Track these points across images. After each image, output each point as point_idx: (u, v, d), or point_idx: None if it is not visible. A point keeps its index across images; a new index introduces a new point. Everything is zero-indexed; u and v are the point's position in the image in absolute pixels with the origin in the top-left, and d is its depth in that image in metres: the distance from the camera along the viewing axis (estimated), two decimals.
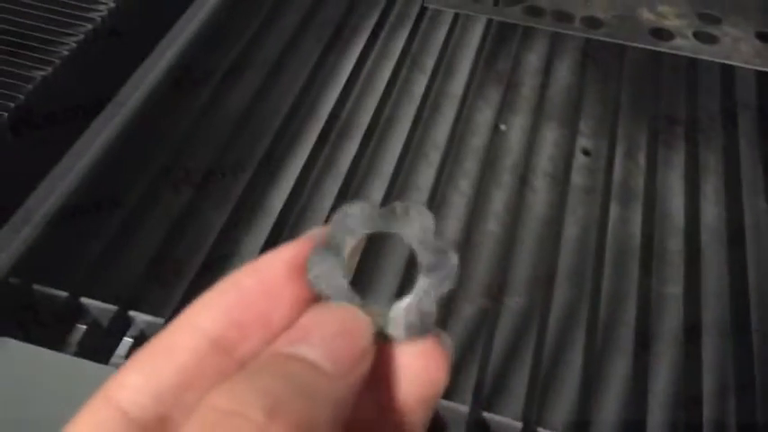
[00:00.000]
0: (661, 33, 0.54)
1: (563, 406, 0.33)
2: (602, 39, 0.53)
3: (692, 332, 0.35)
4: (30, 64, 0.36)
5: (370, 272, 0.38)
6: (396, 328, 0.14)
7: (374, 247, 0.39)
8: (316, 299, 0.14)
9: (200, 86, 0.46)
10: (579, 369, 0.34)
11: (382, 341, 0.14)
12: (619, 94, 0.50)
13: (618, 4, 0.56)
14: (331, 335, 0.13)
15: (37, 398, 0.31)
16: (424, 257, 0.14)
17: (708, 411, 0.33)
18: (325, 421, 0.12)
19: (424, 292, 0.14)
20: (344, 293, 0.14)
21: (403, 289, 0.37)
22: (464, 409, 0.31)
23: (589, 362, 0.34)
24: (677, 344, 0.36)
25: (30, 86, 0.36)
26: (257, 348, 0.13)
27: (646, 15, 0.55)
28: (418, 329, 0.14)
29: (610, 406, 0.34)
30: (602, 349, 0.36)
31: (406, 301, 0.14)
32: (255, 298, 0.14)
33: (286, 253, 0.14)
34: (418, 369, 0.14)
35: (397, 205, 0.15)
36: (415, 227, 0.15)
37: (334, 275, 0.14)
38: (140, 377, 0.13)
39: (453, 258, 0.14)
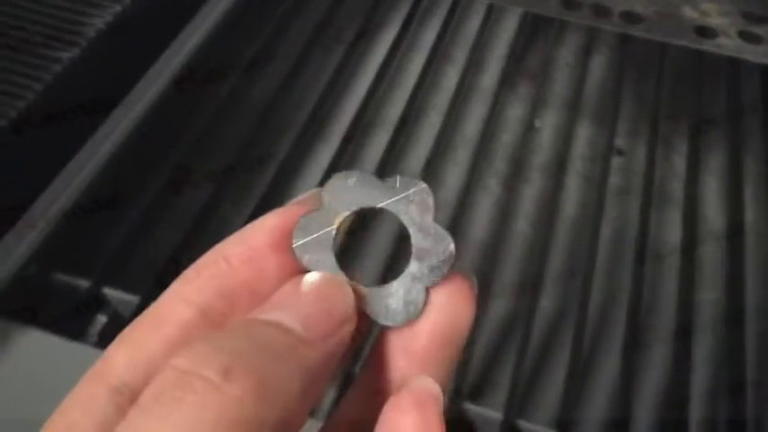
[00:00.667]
0: (704, 31, 0.52)
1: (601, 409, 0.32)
2: (641, 35, 0.51)
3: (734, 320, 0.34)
4: (41, 60, 0.35)
5: (359, 246, 0.37)
6: (378, 313, 0.13)
7: (367, 219, 0.38)
8: (303, 268, 0.13)
9: (221, 80, 0.46)
10: (615, 375, 0.33)
11: (367, 321, 0.13)
12: (656, 93, 0.48)
13: (661, 0, 0.54)
14: (306, 302, 0.12)
15: (53, 388, 0.31)
16: (418, 241, 0.13)
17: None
18: (291, 387, 0.11)
19: (414, 278, 0.13)
20: (330, 268, 0.13)
21: (393, 268, 0.36)
22: (497, 416, 0.30)
23: (626, 365, 0.33)
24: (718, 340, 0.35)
25: (49, 77, 0.35)
26: (243, 313, 0.13)
27: (688, 12, 0.53)
28: (402, 317, 0.13)
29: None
30: (638, 353, 0.34)
31: (394, 285, 0.13)
32: (241, 268, 0.13)
33: (272, 220, 0.14)
34: (444, 304, 0.13)
35: (398, 179, 0.13)
36: (412, 206, 0.13)
37: (322, 248, 0.13)
38: (128, 352, 0.13)
39: (450, 246, 0.13)
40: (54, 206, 0.36)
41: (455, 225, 0.40)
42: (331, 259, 0.13)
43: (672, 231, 0.41)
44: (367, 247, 0.37)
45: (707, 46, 0.50)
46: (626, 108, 0.48)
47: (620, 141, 0.46)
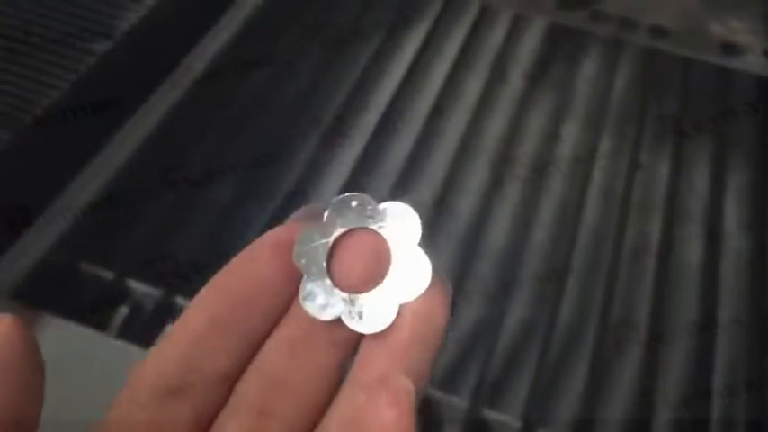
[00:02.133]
0: (730, 48, 0.52)
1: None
2: (668, 50, 0.51)
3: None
4: (75, 52, 0.36)
5: None
6: (353, 318, 0.15)
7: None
8: (299, 275, 0.15)
9: (250, 75, 0.46)
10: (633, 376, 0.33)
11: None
12: (679, 109, 0.48)
13: (688, 15, 0.54)
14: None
15: (74, 376, 0.31)
16: (399, 261, 0.15)
17: None
18: None
19: (388, 293, 0.15)
20: (320, 273, 0.15)
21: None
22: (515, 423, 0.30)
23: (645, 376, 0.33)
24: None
25: (83, 68, 0.36)
26: (252, 324, 0.15)
27: (716, 29, 0.53)
28: (374, 326, 0.15)
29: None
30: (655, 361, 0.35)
31: (371, 295, 0.15)
32: (243, 280, 0.15)
33: (277, 232, 0.15)
34: (420, 308, 0.15)
35: (394, 205, 0.15)
36: (401, 230, 0.15)
37: (316, 256, 0.15)
38: (152, 360, 0.15)
39: (427, 271, 0.15)
40: (81, 197, 0.36)
41: (473, 232, 0.40)
42: (321, 266, 0.15)
43: (693, 247, 0.41)
44: None
45: (732, 63, 0.50)
46: (648, 122, 0.48)
47: (641, 155, 0.47)
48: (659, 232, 0.41)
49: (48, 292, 0.34)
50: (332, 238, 0.15)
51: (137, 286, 0.34)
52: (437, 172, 0.44)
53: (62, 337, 0.32)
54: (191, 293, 0.34)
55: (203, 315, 0.15)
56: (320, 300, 0.15)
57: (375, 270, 0.15)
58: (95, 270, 0.35)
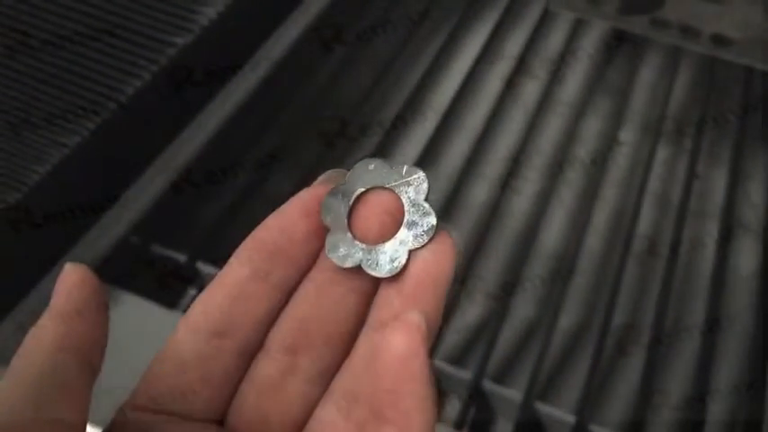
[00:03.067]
0: None
1: None
2: (731, 59, 0.51)
3: None
4: (156, 44, 0.38)
5: None
6: (369, 265, 0.17)
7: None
8: (324, 231, 0.17)
9: (327, 58, 0.47)
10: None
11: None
12: (739, 119, 0.48)
13: (751, 25, 0.53)
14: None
15: (145, 351, 0.33)
16: (409, 214, 0.17)
17: None
18: None
19: (401, 242, 0.17)
20: (343, 228, 0.17)
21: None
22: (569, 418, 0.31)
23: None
24: None
25: (164, 59, 0.37)
26: (285, 273, 0.17)
27: None
28: (386, 270, 0.17)
29: None
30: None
31: (386, 245, 0.17)
32: (277, 236, 0.17)
33: (305, 194, 0.18)
34: (429, 254, 0.17)
35: (404, 167, 0.17)
36: (411, 188, 0.17)
37: (339, 213, 0.17)
38: (202, 307, 0.17)
39: (433, 221, 0.17)
40: (156, 181, 0.38)
41: (527, 236, 0.41)
42: (344, 221, 0.17)
43: (747, 258, 0.41)
44: None
45: None
46: (707, 131, 0.48)
47: (698, 164, 0.46)
48: (714, 242, 0.41)
49: (123, 272, 0.36)
50: (353, 197, 0.17)
51: (206, 268, 0.36)
52: (493, 173, 0.45)
53: (136, 314, 0.34)
54: None
55: (243, 266, 0.17)
56: (342, 250, 0.17)
57: (389, 223, 0.17)
58: (168, 252, 0.37)
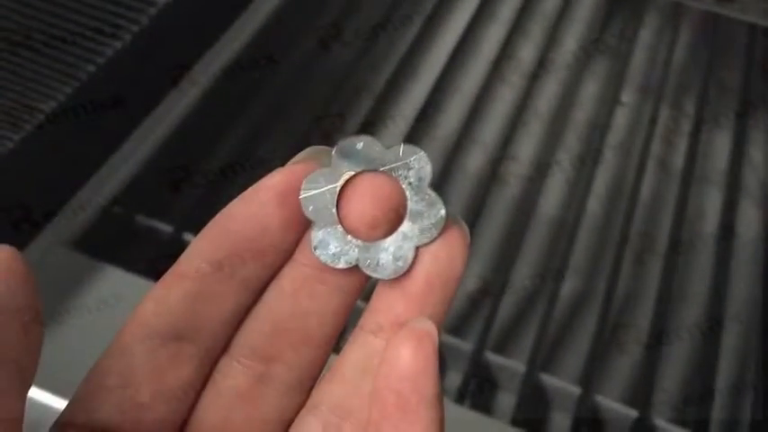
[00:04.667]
0: None
1: None
2: (734, 16, 0.49)
3: None
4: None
5: None
6: (369, 266, 0.14)
7: None
8: (306, 221, 0.15)
9: (292, 51, 0.45)
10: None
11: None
12: (741, 79, 0.47)
13: None
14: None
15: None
16: (413, 204, 0.14)
17: None
18: None
19: (405, 237, 0.14)
20: (331, 220, 0.14)
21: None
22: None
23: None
24: None
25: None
26: (255, 269, 0.15)
27: None
28: (389, 271, 0.14)
29: None
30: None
31: (387, 242, 0.14)
32: (245, 226, 0.15)
33: (276, 178, 0.15)
34: (438, 251, 0.14)
35: (401, 147, 0.15)
36: (411, 172, 0.15)
37: (325, 202, 0.14)
38: (153, 306, 0.15)
39: (441, 211, 0.14)
40: (140, 151, 0.36)
41: (526, 202, 0.40)
42: (332, 212, 0.14)
43: (750, 228, 0.40)
44: None
45: None
46: (710, 92, 0.47)
47: (702, 127, 0.45)
48: (718, 208, 0.40)
49: (107, 244, 0.34)
50: (340, 183, 0.14)
51: (193, 239, 0.35)
52: (491, 139, 0.43)
53: (119, 287, 0.33)
54: None
55: (203, 260, 0.15)
56: (333, 247, 0.14)
57: (389, 215, 0.14)
58: (153, 223, 0.35)
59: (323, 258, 0.14)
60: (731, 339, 0.34)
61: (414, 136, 0.41)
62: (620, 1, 0.51)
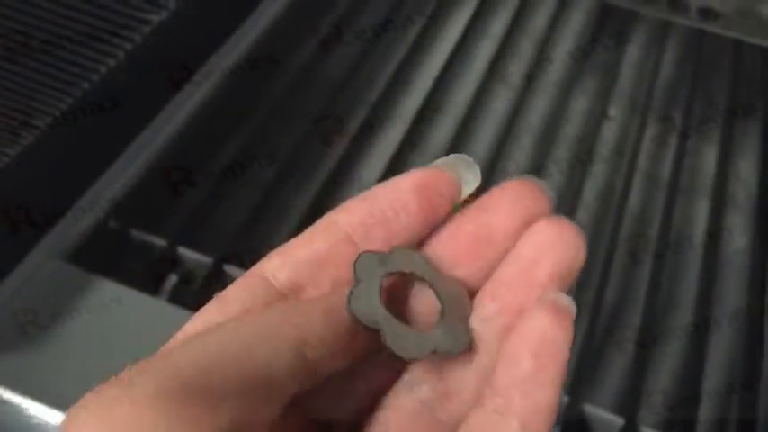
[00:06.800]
0: None
1: None
2: (718, 32, 0.50)
3: None
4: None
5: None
6: (385, 337, 0.15)
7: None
8: (435, 206, 0.16)
9: (292, 58, 0.46)
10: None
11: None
12: (728, 93, 0.47)
13: None
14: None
15: (123, 337, 0.32)
16: (443, 321, 0.15)
17: None
18: None
19: (426, 338, 0.15)
20: (375, 282, 0.15)
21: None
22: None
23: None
24: None
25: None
26: (378, 244, 0.16)
27: (765, 11, 0.52)
28: (401, 353, 0.15)
29: None
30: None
31: (411, 331, 0.15)
32: (383, 205, 0.16)
33: (417, 172, 0.16)
34: (552, 240, 0.15)
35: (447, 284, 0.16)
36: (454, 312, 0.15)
37: (373, 300, 0.15)
38: (281, 257, 0.16)
39: (465, 342, 0.15)
40: (135, 165, 0.37)
41: None
42: (378, 278, 0.15)
43: (739, 237, 0.41)
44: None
45: None
46: (696, 106, 0.48)
47: (688, 140, 0.46)
48: (705, 219, 0.41)
49: (101, 257, 0.35)
50: (389, 270, 0.15)
51: (187, 254, 0.35)
52: (481, 153, 0.44)
53: (114, 300, 0.33)
54: (239, 262, 0.35)
55: (340, 228, 0.16)
56: (364, 304, 0.15)
57: (422, 316, 0.15)
58: (147, 237, 0.36)
59: (351, 310, 0.15)
60: (717, 345, 0.35)
61: (407, 148, 0.42)
62: (607, 18, 0.52)
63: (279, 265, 0.16)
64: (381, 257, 0.15)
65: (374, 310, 0.15)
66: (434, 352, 0.15)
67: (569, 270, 0.15)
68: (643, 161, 0.44)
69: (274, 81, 0.45)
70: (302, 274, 0.15)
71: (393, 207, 0.16)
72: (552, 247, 0.15)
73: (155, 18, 0.37)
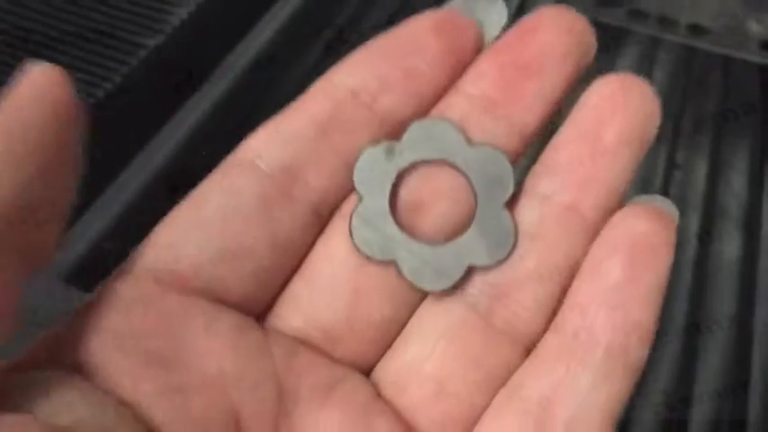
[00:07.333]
0: None
1: None
2: (706, 48, 0.51)
3: None
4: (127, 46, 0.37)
5: None
6: (405, 266, 0.12)
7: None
8: (458, 50, 0.12)
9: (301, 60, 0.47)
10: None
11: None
12: (718, 108, 0.48)
13: (727, 13, 0.53)
14: None
15: None
16: (481, 216, 0.13)
17: None
18: None
19: (459, 252, 0.12)
20: (382, 201, 0.12)
21: None
22: None
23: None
24: None
25: (135, 60, 0.37)
26: (400, 100, 0.12)
27: (755, 27, 0.53)
28: (425, 283, 0.13)
29: None
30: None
31: (436, 248, 0.12)
32: (399, 51, 0.13)
33: (434, 12, 0.13)
34: (619, 96, 0.12)
35: (486, 148, 0.13)
36: (486, 179, 0.13)
37: (381, 179, 0.12)
38: (269, 131, 0.13)
39: (510, 237, 0.12)
40: (132, 185, 0.37)
41: None
42: (385, 192, 0.12)
43: (730, 246, 0.41)
44: None
45: None
46: (685, 121, 0.48)
47: (678, 154, 0.46)
48: (696, 231, 0.41)
49: (99, 278, 0.35)
50: (403, 164, 0.12)
51: None
52: None
53: None
54: None
55: (340, 83, 0.12)
56: (373, 234, 0.12)
57: (450, 221, 0.12)
58: None
59: (357, 242, 0.12)
60: (709, 349, 0.35)
61: None
62: (597, 35, 0.53)
63: (266, 141, 0.13)
64: (389, 148, 0.12)
65: (386, 234, 0.12)
66: (468, 270, 0.12)
67: (643, 134, 0.12)
68: (634, 176, 0.45)
69: (281, 85, 0.45)
70: (298, 150, 0.12)
71: (408, 54, 0.12)
72: (620, 105, 0.12)
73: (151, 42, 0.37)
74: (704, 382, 0.33)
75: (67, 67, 0.37)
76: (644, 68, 0.51)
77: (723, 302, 0.38)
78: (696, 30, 0.52)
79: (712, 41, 0.51)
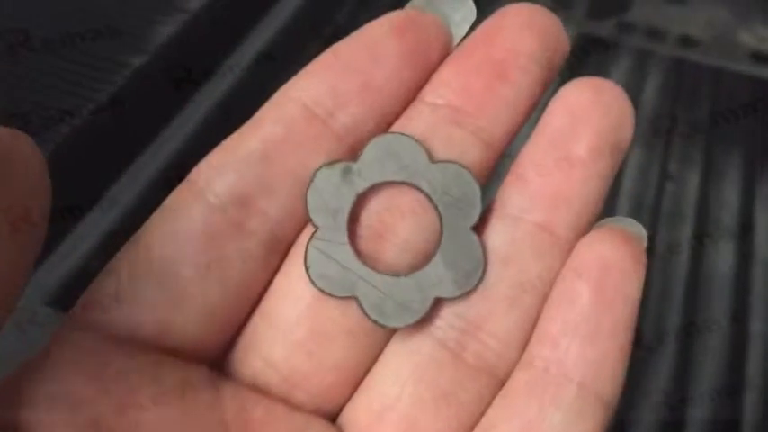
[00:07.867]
0: (761, 58, 0.51)
1: None
2: (696, 59, 0.51)
3: None
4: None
5: None
6: (367, 303, 0.11)
7: None
8: (422, 53, 0.11)
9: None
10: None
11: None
12: (709, 119, 0.48)
13: (717, 24, 0.53)
14: None
15: None
16: (446, 243, 0.12)
17: None
18: None
19: (424, 283, 0.11)
20: (340, 232, 0.11)
21: None
22: None
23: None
24: None
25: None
26: (359, 114, 0.11)
27: (745, 38, 0.53)
28: (389, 319, 0.11)
29: None
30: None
31: (400, 281, 0.11)
32: (357, 60, 0.12)
33: (395, 14, 0.12)
34: (605, 103, 0.11)
35: (450, 166, 0.12)
36: (452, 202, 0.12)
37: (339, 205, 0.11)
38: (221, 154, 0.12)
39: (479, 262, 0.11)
40: (118, 204, 0.37)
41: None
42: (343, 221, 0.11)
43: (723, 257, 0.41)
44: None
45: (763, 72, 0.50)
46: (677, 132, 0.48)
47: (671, 166, 0.46)
48: (689, 243, 0.41)
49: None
50: (363, 187, 0.11)
51: None
52: None
53: None
54: None
55: (292, 99, 0.12)
56: (332, 270, 0.11)
57: (414, 249, 0.11)
58: None
59: (314, 277, 0.11)
60: (704, 350, 0.34)
61: None
62: (588, 48, 0.53)
63: (217, 167, 0.11)
64: (346, 169, 0.11)
65: (344, 268, 0.11)
66: (435, 302, 0.11)
67: (615, 142, 0.12)
68: (627, 185, 0.44)
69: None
70: (251, 175, 0.11)
71: (365, 63, 0.11)
72: (591, 111, 0.11)
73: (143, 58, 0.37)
74: (702, 383, 0.33)
75: (68, 67, 0.36)
76: (635, 80, 0.51)
77: (717, 312, 0.37)
78: (686, 41, 0.53)
79: (703, 53, 0.51)
